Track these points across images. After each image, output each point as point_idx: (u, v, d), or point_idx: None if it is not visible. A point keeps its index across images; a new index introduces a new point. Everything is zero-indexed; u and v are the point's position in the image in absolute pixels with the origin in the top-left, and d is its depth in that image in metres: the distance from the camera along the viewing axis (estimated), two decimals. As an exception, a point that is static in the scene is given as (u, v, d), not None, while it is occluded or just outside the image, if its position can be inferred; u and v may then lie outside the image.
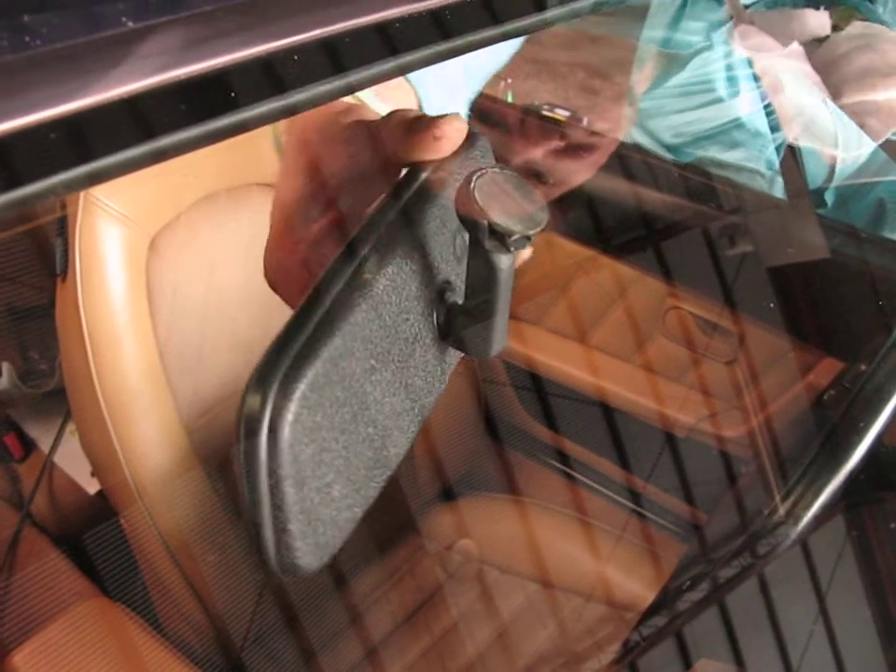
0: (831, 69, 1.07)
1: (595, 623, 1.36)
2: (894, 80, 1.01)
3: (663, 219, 1.33)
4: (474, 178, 0.40)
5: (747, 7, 1.15)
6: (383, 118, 0.46)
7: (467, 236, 0.42)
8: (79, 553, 1.26)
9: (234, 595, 1.20)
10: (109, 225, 1.13)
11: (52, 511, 1.38)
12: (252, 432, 0.33)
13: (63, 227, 1.14)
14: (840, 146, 1.14)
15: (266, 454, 0.33)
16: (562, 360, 1.47)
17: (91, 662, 1.05)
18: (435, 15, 0.41)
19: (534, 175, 0.92)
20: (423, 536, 1.50)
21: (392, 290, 0.40)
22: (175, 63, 0.32)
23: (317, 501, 0.36)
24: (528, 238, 0.40)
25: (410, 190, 0.43)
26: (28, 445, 1.47)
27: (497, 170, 0.41)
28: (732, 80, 1.17)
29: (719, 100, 1.20)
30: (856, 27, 1.02)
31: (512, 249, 0.41)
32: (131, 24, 0.32)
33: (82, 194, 1.10)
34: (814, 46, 1.04)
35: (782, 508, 0.90)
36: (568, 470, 1.53)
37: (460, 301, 0.45)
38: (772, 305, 1.18)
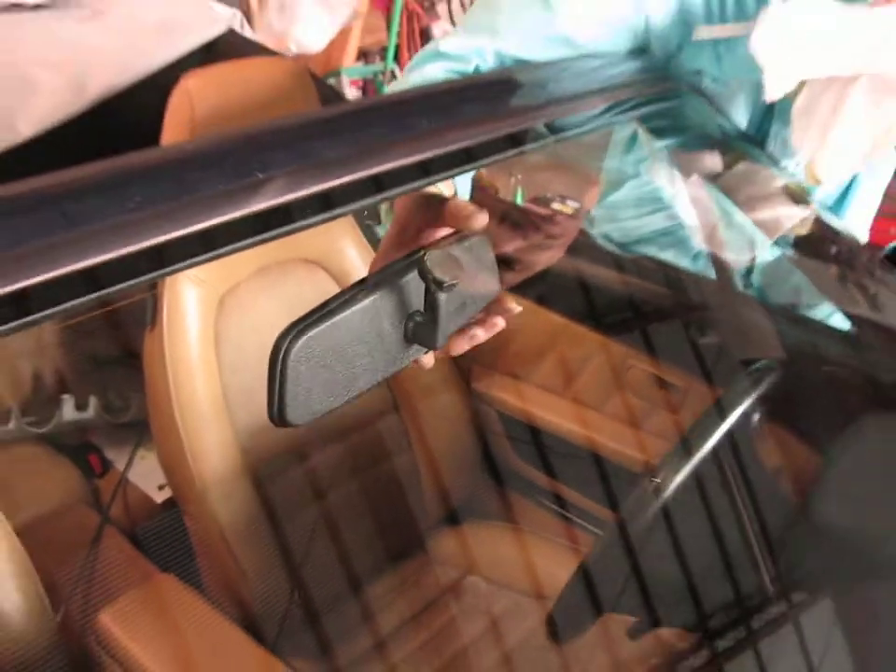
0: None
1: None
2: (770, 203, 1.33)
3: (622, 297, 1.68)
4: (429, 250, 0.74)
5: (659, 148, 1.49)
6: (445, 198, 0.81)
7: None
8: (145, 545, 1.59)
9: (273, 578, 1.51)
10: (189, 286, 1.47)
11: (126, 515, 1.71)
12: (276, 349, 0.64)
13: (153, 287, 1.48)
14: (757, 246, 1.48)
15: (281, 357, 0.65)
16: (545, 410, 1.79)
17: (158, 621, 1.36)
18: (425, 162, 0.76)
19: (503, 262, 1.24)
20: (429, 554, 1.80)
21: (379, 305, 0.73)
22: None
23: (305, 386, 0.68)
24: (454, 285, 0.73)
25: (412, 257, 0.76)
26: (106, 464, 1.81)
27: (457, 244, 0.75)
28: (656, 199, 1.52)
29: (650, 212, 1.56)
30: (742, 166, 1.34)
31: (444, 291, 0.73)
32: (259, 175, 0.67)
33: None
34: (710, 180, 1.37)
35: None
36: (546, 502, 1.84)
37: (420, 320, 0.77)
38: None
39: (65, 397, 1.80)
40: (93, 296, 0.60)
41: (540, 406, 1.80)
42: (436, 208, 0.83)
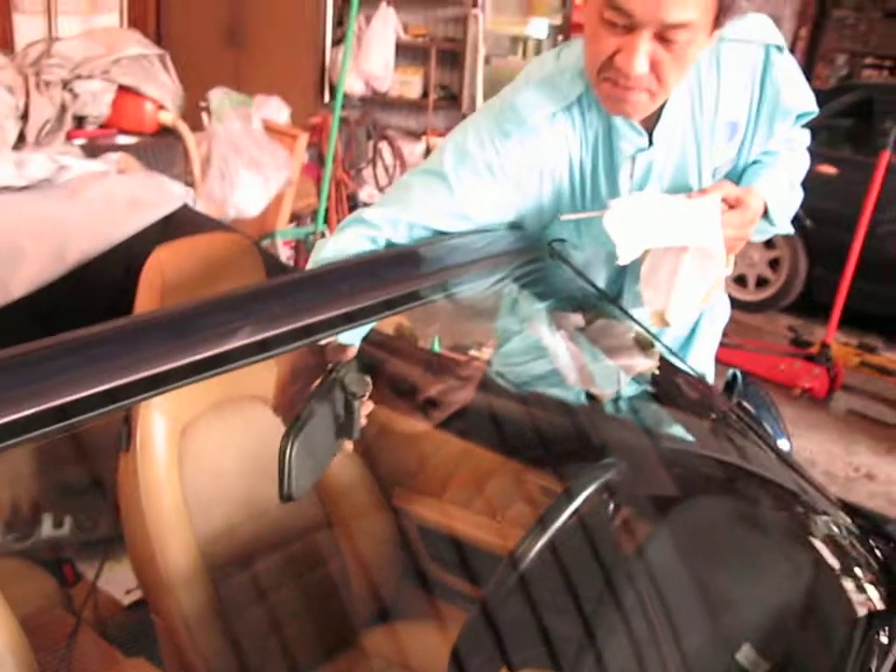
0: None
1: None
2: (623, 352, 1.76)
3: (517, 421, 2.05)
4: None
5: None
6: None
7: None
8: (115, 640, 1.87)
9: (228, 662, 1.79)
10: (158, 417, 1.79)
11: (96, 617, 1.98)
12: (283, 447, 0.99)
13: (128, 416, 1.80)
14: (621, 381, 1.87)
15: (287, 460, 1.00)
16: (457, 522, 2.12)
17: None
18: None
19: (429, 403, 1.59)
20: (362, 648, 2.08)
21: (322, 413, 1.07)
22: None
23: (297, 472, 1.02)
24: (363, 396, 1.09)
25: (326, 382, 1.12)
26: (78, 575, 2.09)
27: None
28: (539, 348, 1.91)
29: (535, 359, 1.95)
30: (600, 322, 1.75)
31: (357, 399, 1.09)
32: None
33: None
34: (577, 333, 1.77)
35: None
36: (461, 602, 2.14)
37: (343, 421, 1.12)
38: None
39: (45, 515, 2.09)
40: (95, 413, 0.93)
41: (453, 518, 2.13)
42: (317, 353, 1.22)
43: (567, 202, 1.70)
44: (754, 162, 1.77)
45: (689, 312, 1.71)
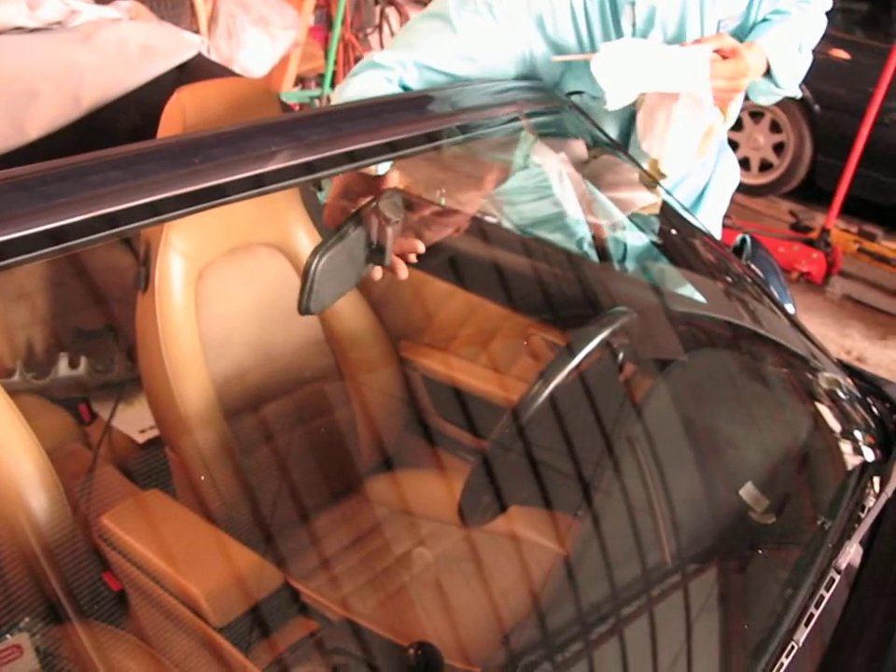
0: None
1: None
2: (626, 186, 1.75)
3: (524, 278, 2.08)
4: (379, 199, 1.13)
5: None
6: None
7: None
8: (130, 474, 1.93)
9: (240, 494, 1.87)
10: (176, 257, 1.82)
11: (112, 453, 2.05)
12: (308, 265, 1.02)
13: (147, 257, 1.83)
14: (629, 231, 1.89)
15: (312, 270, 1.04)
16: (462, 374, 2.17)
17: (149, 521, 1.70)
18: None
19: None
20: (365, 494, 2.16)
21: (355, 237, 1.11)
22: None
23: (319, 288, 1.06)
24: (398, 221, 1.12)
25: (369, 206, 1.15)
26: (93, 414, 2.15)
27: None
28: (544, 188, 1.93)
29: (539, 198, 1.97)
30: (605, 157, 1.75)
31: (391, 226, 1.12)
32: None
33: (164, 237, 1.79)
34: (580, 166, 1.78)
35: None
36: (462, 454, 2.21)
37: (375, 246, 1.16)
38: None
39: (61, 354, 2.14)
40: (110, 232, 0.95)
41: (458, 370, 2.18)
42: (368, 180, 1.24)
43: (572, 50, 1.71)
44: (763, 21, 1.77)
45: (683, 161, 1.73)
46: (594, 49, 1.66)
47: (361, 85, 1.61)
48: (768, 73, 1.73)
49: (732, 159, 2.00)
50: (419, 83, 1.65)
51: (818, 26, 1.87)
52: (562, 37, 1.69)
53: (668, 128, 1.63)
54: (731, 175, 2.08)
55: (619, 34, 1.68)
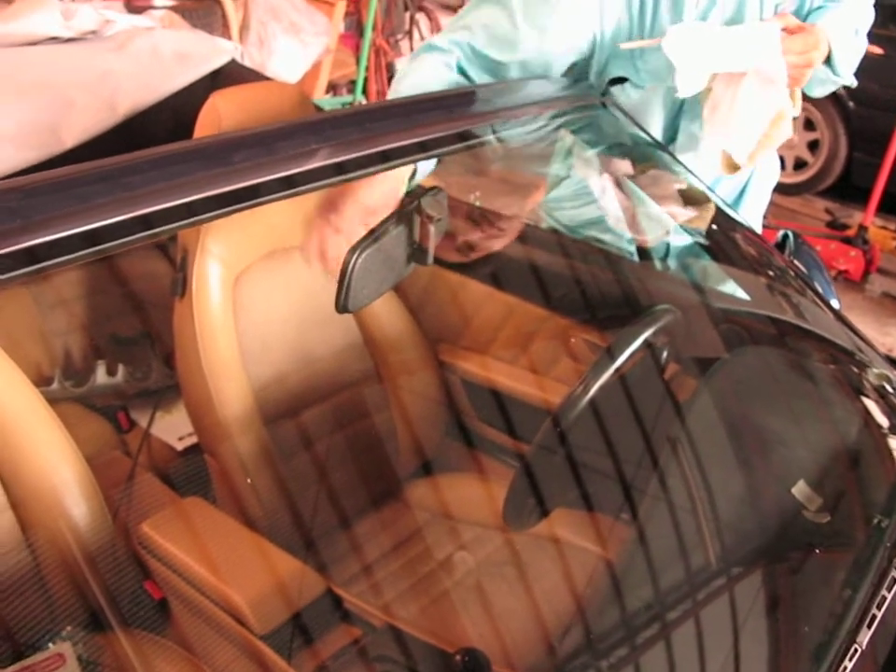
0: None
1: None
2: (668, 202, 1.73)
3: (563, 279, 2.06)
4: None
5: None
6: None
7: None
8: (170, 481, 1.93)
9: (281, 500, 1.85)
10: (214, 264, 1.81)
11: (151, 461, 2.04)
12: (346, 262, 1.00)
13: (184, 263, 1.82)
14: (672, 231, 1.86)
15: (349, 270, 1.02)
16: (502, 376, 2.15)
17: (189, 529, 1.69)
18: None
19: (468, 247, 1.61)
20: (405, 499, 2.14)
21: (396, 235, 1.09)
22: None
23: (357, 285, 1.04)
24: (441, 219, 1.10)
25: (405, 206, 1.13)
26: (132, 422, 2.14)
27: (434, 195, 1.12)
28: (588, 194, 1.91)
29: (584, 204, 1.95)
30: (651, 172, 1.73)
31: (433, 224, 1.10)
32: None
33: (200, 242, 1.78)
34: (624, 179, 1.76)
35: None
36: (503, 457, 2.18)
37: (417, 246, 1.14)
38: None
39: (99, 362, 2.13)
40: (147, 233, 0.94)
41: (498, 373, 2.16)
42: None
43: (625, 36, 1.69)
44: (818, 8, 1.75)
45: (751, 144, 1.69)
46: (653, 33, 1.64)
47: (420, 71, 1.63)
48: (827, 60, 1.71)
49: (772, 154, 1.97)
50: (473, 68, 1.65)
51: (870, 13, 1.85)
52: (619, 21, 1.67)
53: (733, 111, 1.60)
54: (772, 171, 2.04)
55: (678, 16, 1.66)
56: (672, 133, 1.83)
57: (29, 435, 1.53)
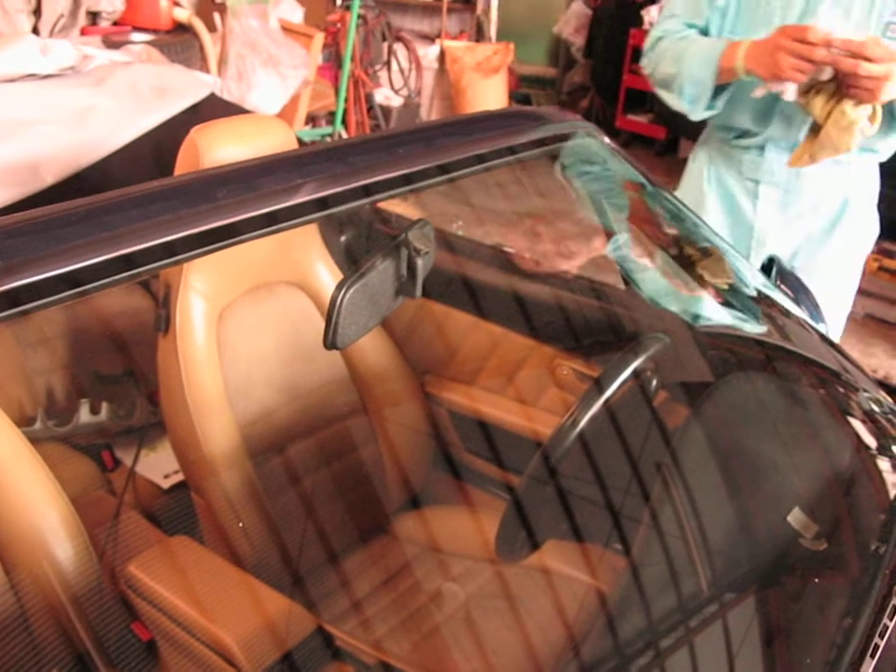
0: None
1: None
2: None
3: (548, 305, 2.05)
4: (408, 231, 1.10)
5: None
6: None
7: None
8: (156, 520, 1.90)
9: (268, 538, 1.83)
10: (197, 299, 1.79)
11: (136, 499, 2.01)
12: (333, 299, 0.99)
13: (167, 299, 1.80)
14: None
15: (337, 306, 1.00)
16: (488, 407, 2.14)
17: (177, 568, 1.66)
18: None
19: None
20: (393, 533, 2.12)
21: (383, 270, 1.08)
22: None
23: (345, 321, 1.03)
24: (428, 252, 1.09)
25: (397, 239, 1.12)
26: (116, 461, 2.12)
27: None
28: None
29: None
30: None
31: (421, 257, 1.09)
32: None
33: (183, 278, 1.77)
34: None
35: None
36: (491, 488, 2.17)
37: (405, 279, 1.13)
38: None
39: (82, 401, 2.11)
40: (129, 273, 0.93)
41: (485, 404, 2.14)
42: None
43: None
44: None
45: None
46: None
47: (671, 50, 2.06)
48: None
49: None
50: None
51: None
52: None
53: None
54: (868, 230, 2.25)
55: None
56: (768, 120, 2.05)
57: (12, 475, 1.51)
